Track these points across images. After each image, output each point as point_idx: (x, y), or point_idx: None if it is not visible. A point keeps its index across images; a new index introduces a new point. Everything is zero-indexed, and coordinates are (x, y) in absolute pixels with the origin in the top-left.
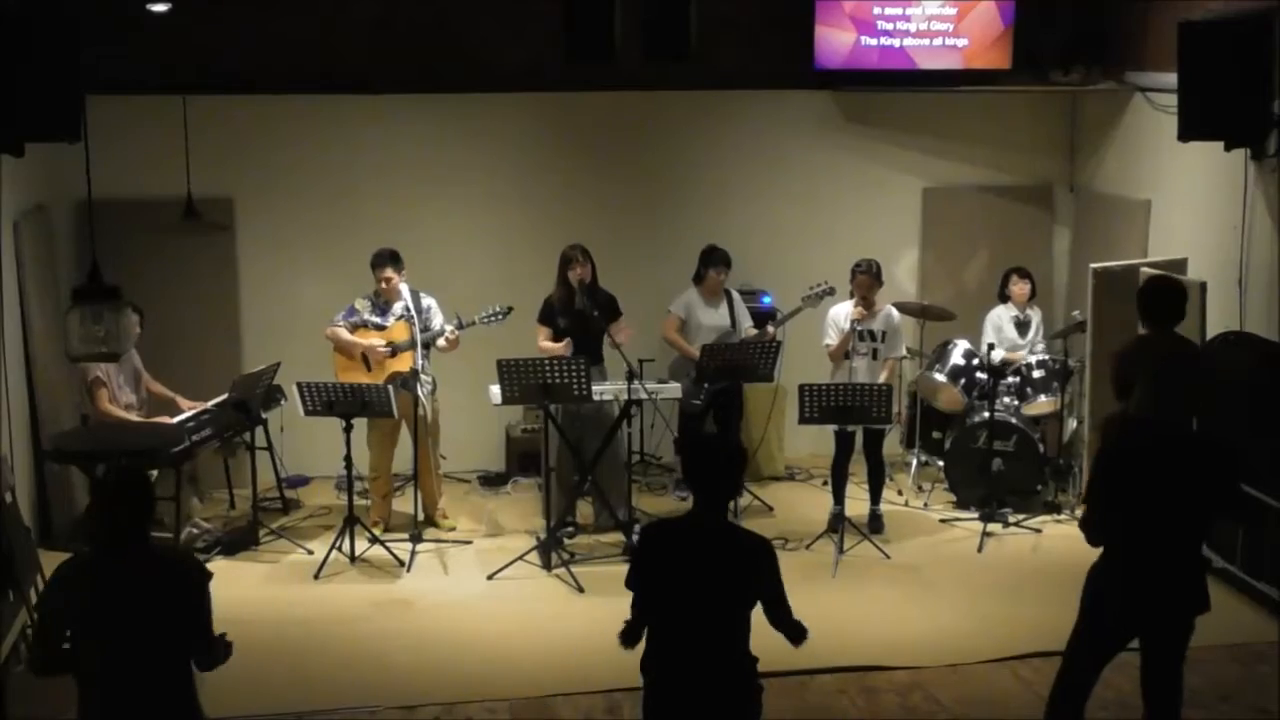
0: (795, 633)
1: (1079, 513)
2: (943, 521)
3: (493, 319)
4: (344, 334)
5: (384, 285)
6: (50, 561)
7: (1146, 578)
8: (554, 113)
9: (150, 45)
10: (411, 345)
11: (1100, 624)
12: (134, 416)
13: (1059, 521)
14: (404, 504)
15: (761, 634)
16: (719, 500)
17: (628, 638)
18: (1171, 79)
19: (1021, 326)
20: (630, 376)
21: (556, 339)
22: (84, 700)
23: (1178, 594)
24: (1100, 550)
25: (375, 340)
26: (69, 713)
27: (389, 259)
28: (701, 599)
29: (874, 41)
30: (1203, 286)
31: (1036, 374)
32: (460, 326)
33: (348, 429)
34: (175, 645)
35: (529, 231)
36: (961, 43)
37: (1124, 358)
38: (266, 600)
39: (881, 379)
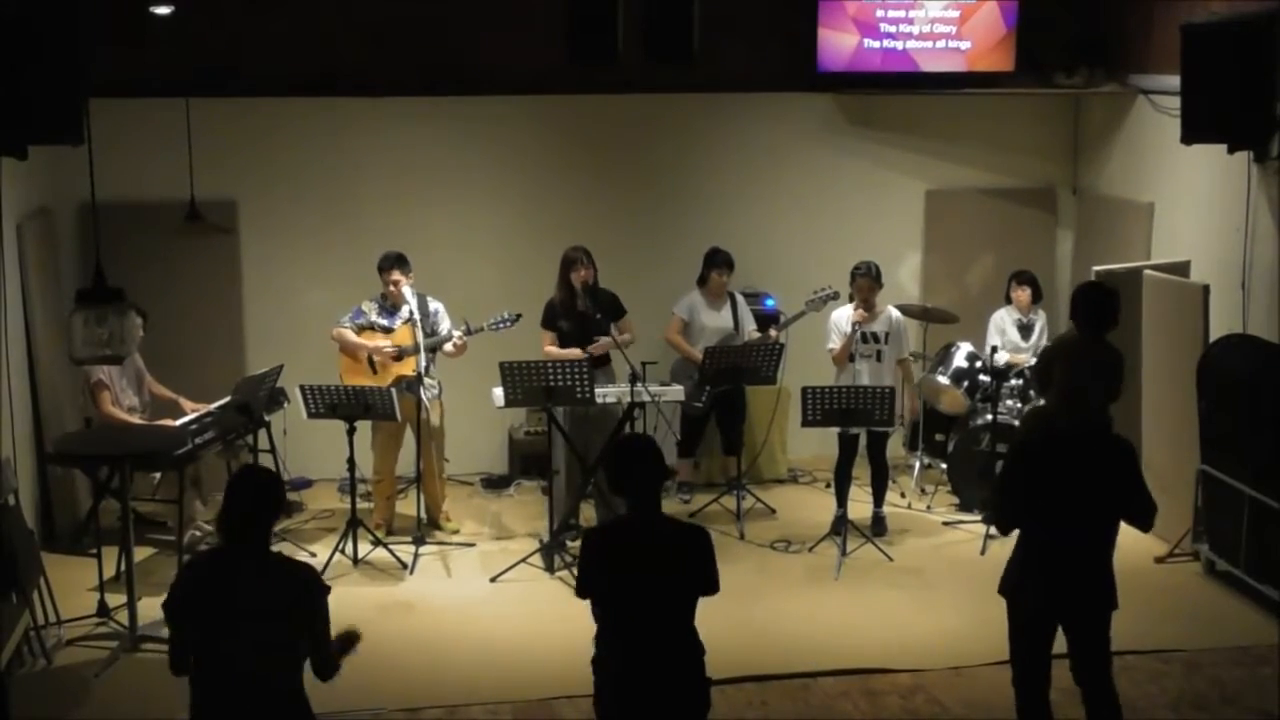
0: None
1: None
2: (945, 524)
3: (500, 326)
4: (350, 335)
5: (391, 288)
6: (53, 564)
7: (1051, 571)
8: (557, 116)
9: (153, 48)
10: (416, 350)
11: (1019, 616)
12: (136, 419)
13: None
14: (407, 506)
15: (764, 636)
16: (650, 495)
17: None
18: (1174, 81)
19: (1025, 329)
20: (633, 379)
21: (560, 341)
22: (194, 694)
23: (1083, 588)
24: (1014, 544)
25: (382, 343)
26: (71, 714)
27: (396, 261)
28: (650, 595)
29: (877, 44)
30: (1205, 289)
31: None
32: (468, 333)
33: (351, 431)
34: (286, 646)
35: (532, 235)
36: (964, 45)
37: (1045, 357)
38: None
39: (888, 380)
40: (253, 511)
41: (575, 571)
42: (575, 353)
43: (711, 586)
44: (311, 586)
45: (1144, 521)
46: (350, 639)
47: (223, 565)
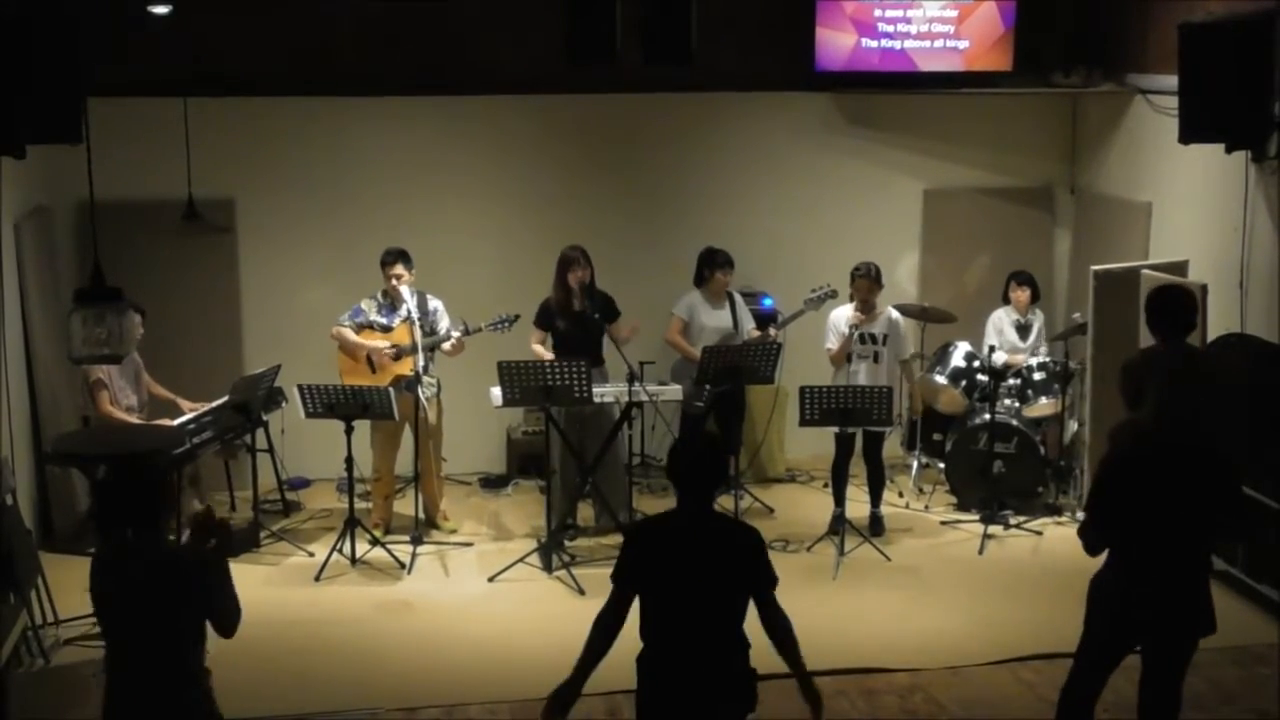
0: (788, 639)
1: (1079, 516)
2: (943, 524)
3: (499, 327)
4: (350, 335)
5: (393, 282)
6: (51, 563)
7: (1147, 590)
8: (556, 116)
9: (151, 47)
10: (414, 349)
11: (1101, 634)
12: (135, 418)
13: (1059, 524)
14: (405, 506)
15: (762, 634)
16: (702, 493)
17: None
18: (1172, 81)
19: (1023, 330)
20: (631, 378)
21: (556, 341)
22: (107, 686)
23: (1178, 610)
24: (1103, 558)
25: (380, 343)
26: (70, 713)
27: (399, 256)
28: (697, 591)
29: (875, 43)
30: (1204, 289)
31: (1037, 376)
32: (466, 333)
33: (349, 431)
34: (176, 638)
35: (530, 234)
36: (962, 45)
37: (1135, 368)
38: (267, 602)
39: (885, 381)
40: (122, 509)
41: (573, 571)
42: (545, 353)
43: (764, 583)
44: (192, 576)
45: (1239, 539)
46: (205, 528)
47: (110, 562)
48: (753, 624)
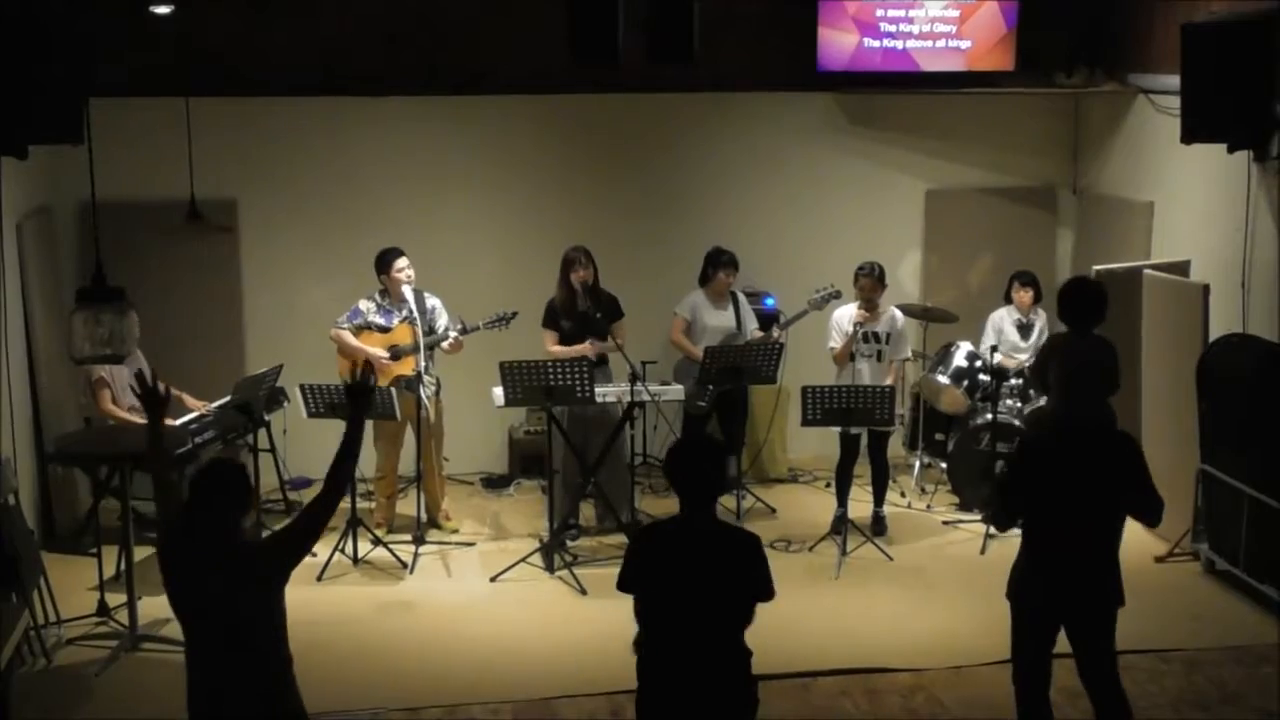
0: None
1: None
2: (945, 523)
3: (497, 324)
4: (348, 338)
5: (398, 275)
6: (53, 563)
7: (1056, 569)
8: (558, 116)
9: (153, 47)
10: (415, 349)
11: (1023, 616)
12: (137, 418)
13: None
14: (407, 506)
15: (764, 635)
16: (704, 499)
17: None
18: (1174, 81)
19: (1025, 329)
20: (633, 378)
21: (561, 341)
22: (189, 683)
23: (1088, 585)
24: (1019, 545)
25: (378, 351)
26: (73, 713)
27: (400, 253)
28: (697, 598)
29: (877, 43)
30: (1205, 288)
31: None
32: (464, 331)
33: None
34: (258, 630)
35: (532, 234)
36: (965, 44)
37: (1043, 355)
38: None
39: (887, 381)
40: (201, 503)
41: (575, 572)
42: (581, 349)
43: (762, 593)
44: (257, 569)
45: (1150, 517)
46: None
47: (183, 552)
48: (756, 629)
